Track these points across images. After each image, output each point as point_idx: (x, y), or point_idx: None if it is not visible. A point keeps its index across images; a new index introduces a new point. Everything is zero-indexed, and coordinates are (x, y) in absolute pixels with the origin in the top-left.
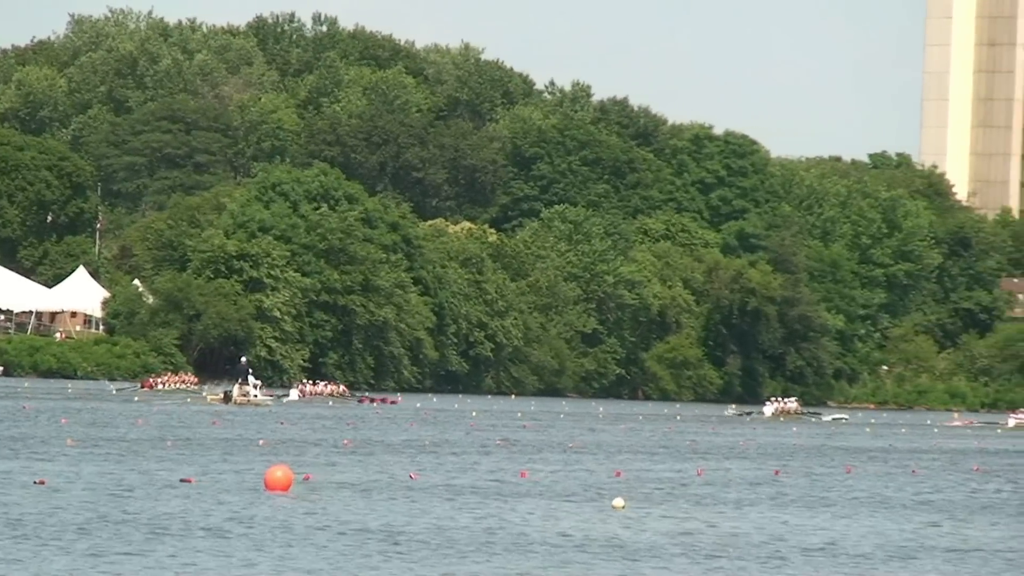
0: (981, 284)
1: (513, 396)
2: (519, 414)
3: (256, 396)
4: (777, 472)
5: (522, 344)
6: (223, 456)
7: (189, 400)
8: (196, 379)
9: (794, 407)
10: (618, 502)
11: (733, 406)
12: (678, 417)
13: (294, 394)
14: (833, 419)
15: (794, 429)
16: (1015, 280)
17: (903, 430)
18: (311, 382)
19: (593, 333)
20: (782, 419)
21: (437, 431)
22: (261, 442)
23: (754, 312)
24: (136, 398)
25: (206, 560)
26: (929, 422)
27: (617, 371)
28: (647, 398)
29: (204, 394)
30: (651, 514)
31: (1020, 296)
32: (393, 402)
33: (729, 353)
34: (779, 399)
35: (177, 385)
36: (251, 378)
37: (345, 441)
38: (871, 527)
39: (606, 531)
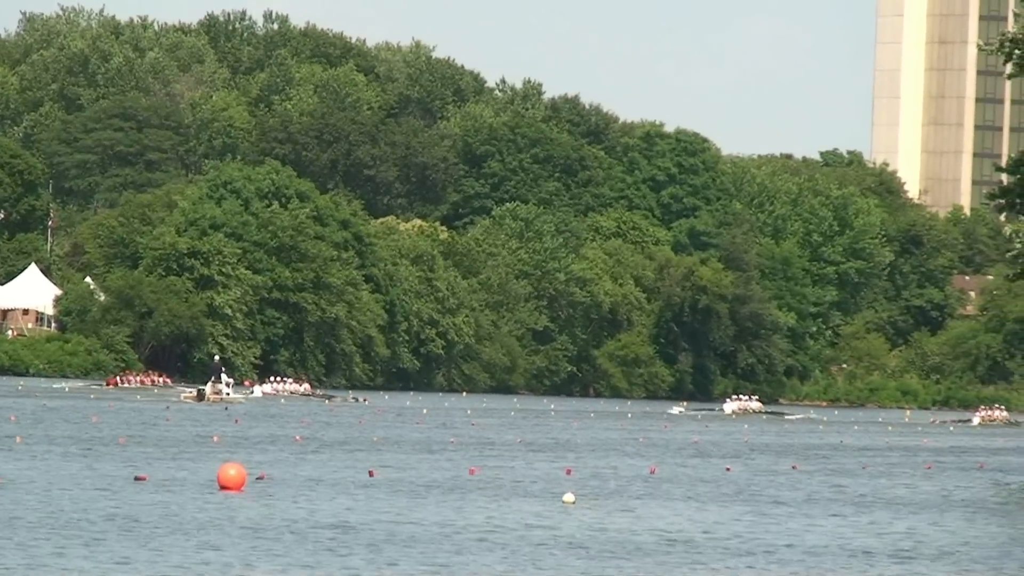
0: (932, 282)
1: (464, 393)
2: (470, 411)
3: (229, 394)
4: (729, 469)
5: (473, 341)
6: (178, 454)
7: (134, 397)
8: (168, 378)
9: (755, 406)
10: (568, 498)
11: (684, 404)
12: (629, 415)
13: (259, 392)
14: (801, 418)
15: (745, 427)
16: (966, 278)
17: (890, 427)
18: (278, 379)
19: (544, 330)
20: (734, 416)
21: (389, 428)
22: (215, 439)
23: (705, 310)
24: (92, 396)
25: (159, 558)
26: (881, 419)
27: (568, 368)
28: (598, 395)
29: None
30: (601, 510)
31: (971, 294)
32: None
33: (681, 351)
34: (740, 397)
35: (145, 383)
36: (224, 376)
37: (296, 438)
38: (820, 524)
39: (556, 527)
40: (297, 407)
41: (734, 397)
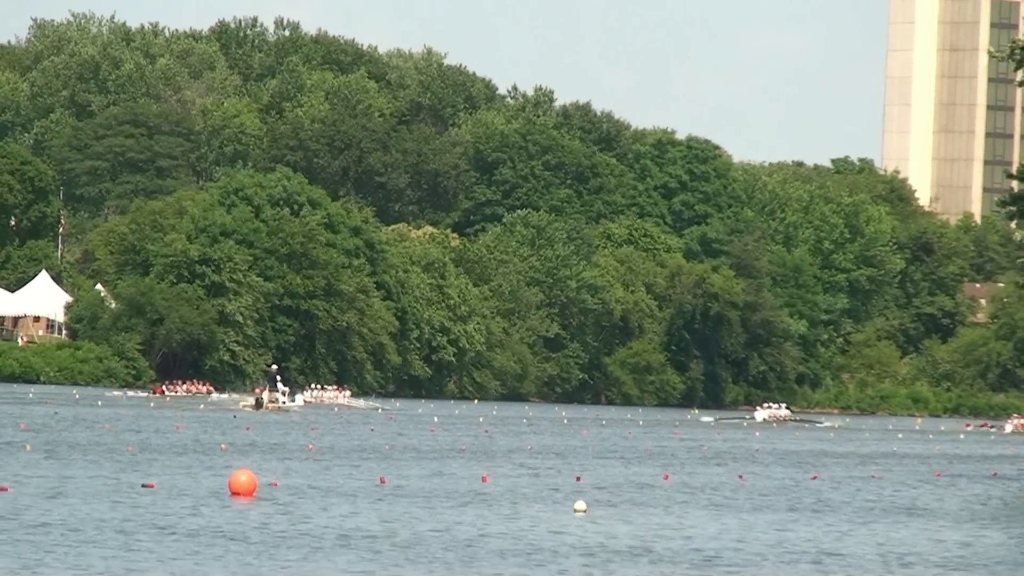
0: (943, 289)
1: (476, 401)
2: (481, 419)
3: (285, 402)
4: (742, 477)
5: (485, 349)
6: (187, 461)
7: (203, 405)
8: (211, 386)
9: (784, 414)
10: (580, 505)
11: (711, 414)
12: (641, 422)
13: (300, 400)
14: (827, 426)
15: (757, 434)
16: (977, 285)
17: (899, 435)
18: (319, 387)
19: (556, 338)
20: (775, 425)
21: (401, 436)
22: (222, 447)
23: (716, 317)
24: (151, 404)
25: (169, 565)
26: (891, 426)
27: (580, 376)
28: (610, 403)
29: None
30: (613, 518)
31: (982, 301)
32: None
33: (692, 358)
34: (770, 405)
35: (190, 392)
36: (280, 385)
37: (309, 446)
38: (831, 531)
39: (567, 534)
40: (324, 416)
41: (765, 405)
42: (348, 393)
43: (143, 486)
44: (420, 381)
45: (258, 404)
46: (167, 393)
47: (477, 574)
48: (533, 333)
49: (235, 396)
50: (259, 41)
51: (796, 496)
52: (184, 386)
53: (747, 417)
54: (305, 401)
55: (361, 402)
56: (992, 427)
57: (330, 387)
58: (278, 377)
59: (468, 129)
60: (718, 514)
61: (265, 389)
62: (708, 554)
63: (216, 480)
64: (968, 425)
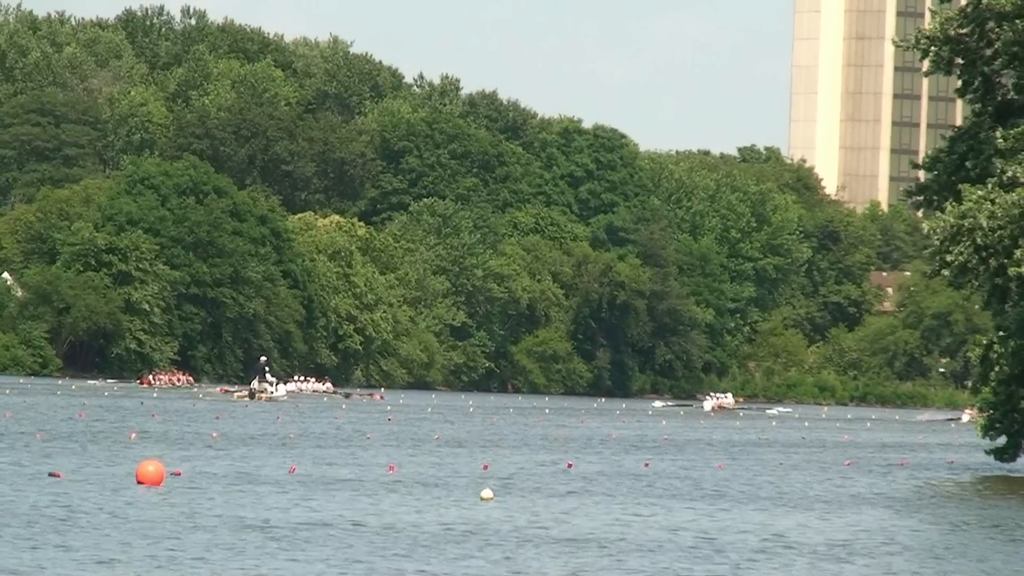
0: (850, 278)
1: (382, 389)
2: (388, 407)
3: (273, 392)
4: (647, 464)
5: (391, 337)
6: (94, 450)
7: (202, 396)
8: (191, 377)
9: (730, 402)
10: (486, 493)
11: (665, 401)
12: (547, 410)
13: (282, 390)
14: (778, 412)
15: (664, 423)
16: (884, 274)
17: (867, 424)
18: (302, 379)
19: (462, 326)
20: (712, 413)
21: (306, 424)
22: (132, 435)
23: (623, 305)
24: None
25: (77, 555)
26: (798, 415)
27: (486, 364)
28: (516, 391)
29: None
30: (519, 506)
31: (889, 290)
32: (377, 397)
33: (598, 346)
34: (717, 395)
35: (173, 383)
36: (268, 376)
37: (213, 434)
38: (739, 519)
39: (473, 522)
40: (245, 405)
41: (711, 395)
42: (329, 384)
43: (50, 475)
44: (327, 369)
45: (252, 395)
46: (154, 384)
47: (380, 563)
48: (439, 322)
49: (230, 388)
50: (165, 30)
51: (704, 484)
52: (165, 377)
53: (694, 406)
54: (288, 392)
55: (342, 391)
56: (951, 419)
57: (311, 379)
58: (267, 369)
59: (374, 118)
60: (620, 502)
61: (255, 380)
62: (610, 541)
63: (124, 469)
64: (924, 416)
